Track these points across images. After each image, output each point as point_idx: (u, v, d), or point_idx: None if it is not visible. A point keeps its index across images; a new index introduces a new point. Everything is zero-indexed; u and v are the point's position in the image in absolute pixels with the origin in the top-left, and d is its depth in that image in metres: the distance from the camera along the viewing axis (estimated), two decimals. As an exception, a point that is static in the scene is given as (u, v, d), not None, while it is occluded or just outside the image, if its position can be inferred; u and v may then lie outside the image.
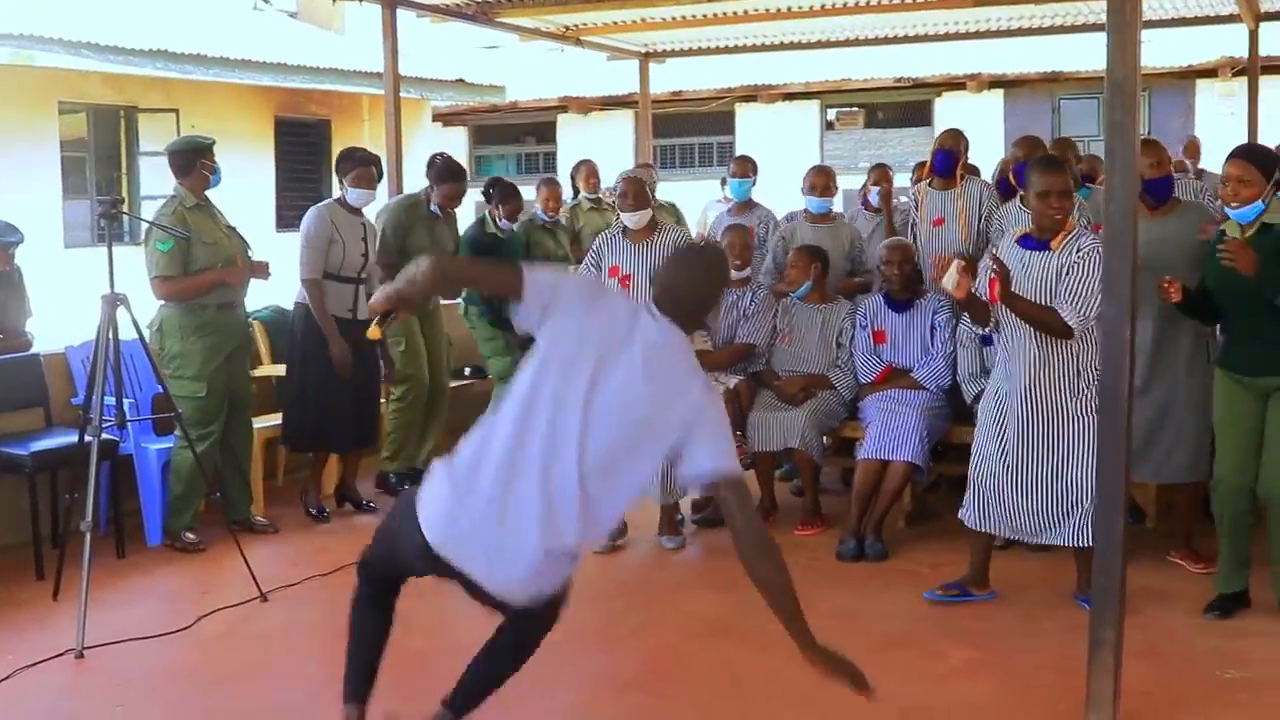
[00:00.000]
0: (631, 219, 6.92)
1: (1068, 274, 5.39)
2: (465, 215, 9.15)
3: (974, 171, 8.23)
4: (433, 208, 8.03)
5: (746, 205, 8.70)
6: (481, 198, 8.93)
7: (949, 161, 7.45)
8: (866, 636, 5.42)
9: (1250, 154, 5.47)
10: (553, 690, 4.86)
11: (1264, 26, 11.39)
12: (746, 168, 8.83)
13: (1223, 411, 5.60)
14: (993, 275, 5.24)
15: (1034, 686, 4.88)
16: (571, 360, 3.60)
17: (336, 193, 7.76)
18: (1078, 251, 5.42)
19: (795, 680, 4.18)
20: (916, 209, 7.71)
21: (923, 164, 8.19)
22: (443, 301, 8.53)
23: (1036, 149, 7.21)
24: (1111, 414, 4.23)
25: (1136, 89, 4.07)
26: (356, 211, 7.46)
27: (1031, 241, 5.59)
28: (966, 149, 7.62)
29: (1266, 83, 16.08)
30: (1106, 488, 4.28)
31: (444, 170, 8.02)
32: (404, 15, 9.73)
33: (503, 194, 8.67)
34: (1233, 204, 5.36)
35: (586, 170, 10.45)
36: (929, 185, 7.65)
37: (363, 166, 7.43)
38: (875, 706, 4.12)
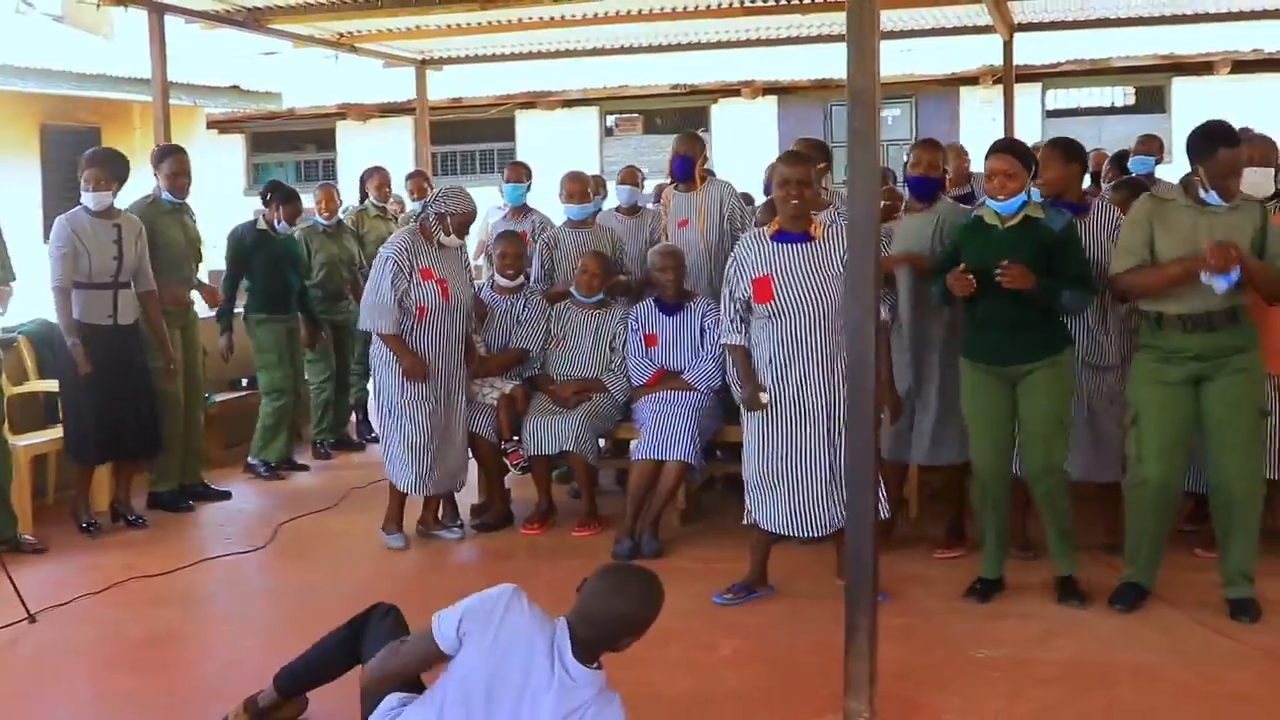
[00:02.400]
0: (450, 241, 6.91)
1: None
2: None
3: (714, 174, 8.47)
4: (187, 201, 8.05)
5: (521, 210, 8.77)
6: (259, 200, 8.92)
7: (686, 166, 7.65)
8: (638, 633, 5.56)
9: (1012, 148, 5.77)
10: None
11: (1018, 37, 11.90)
12: (520, 173, 8.91)
13: (972, 401, 5.82)
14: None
15: (799, 673, 5.05)
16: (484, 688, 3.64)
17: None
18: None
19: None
20: (663, 213, 7.89)
21: (631, 169, 8.42)
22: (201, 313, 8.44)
23: (814, 149, 7.38)
24: (859, 406, 4.41)
25: (875, 98, 4.23)
26: (109, 214, 7.28)
27: (788, 235, 5.73)
28: (703, 152, 7.82)
29: (1022, 90, 16.93)
30: (856, 478, 4.45)
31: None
32: (174, 21, 9.54)
33: (283, 197, 8.69)
34: (999, 196, 5.63)
35: (379, 178, 10.40)
36: (674, 189, 7.83)
37: (100, 168, 7.25)
38: (643, 700, 4.25)
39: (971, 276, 5.56)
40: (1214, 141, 5.31)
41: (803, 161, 5.80)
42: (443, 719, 3.67)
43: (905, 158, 6.70)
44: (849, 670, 4.48)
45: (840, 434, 5.58)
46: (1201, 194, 5.36)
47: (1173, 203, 5.45)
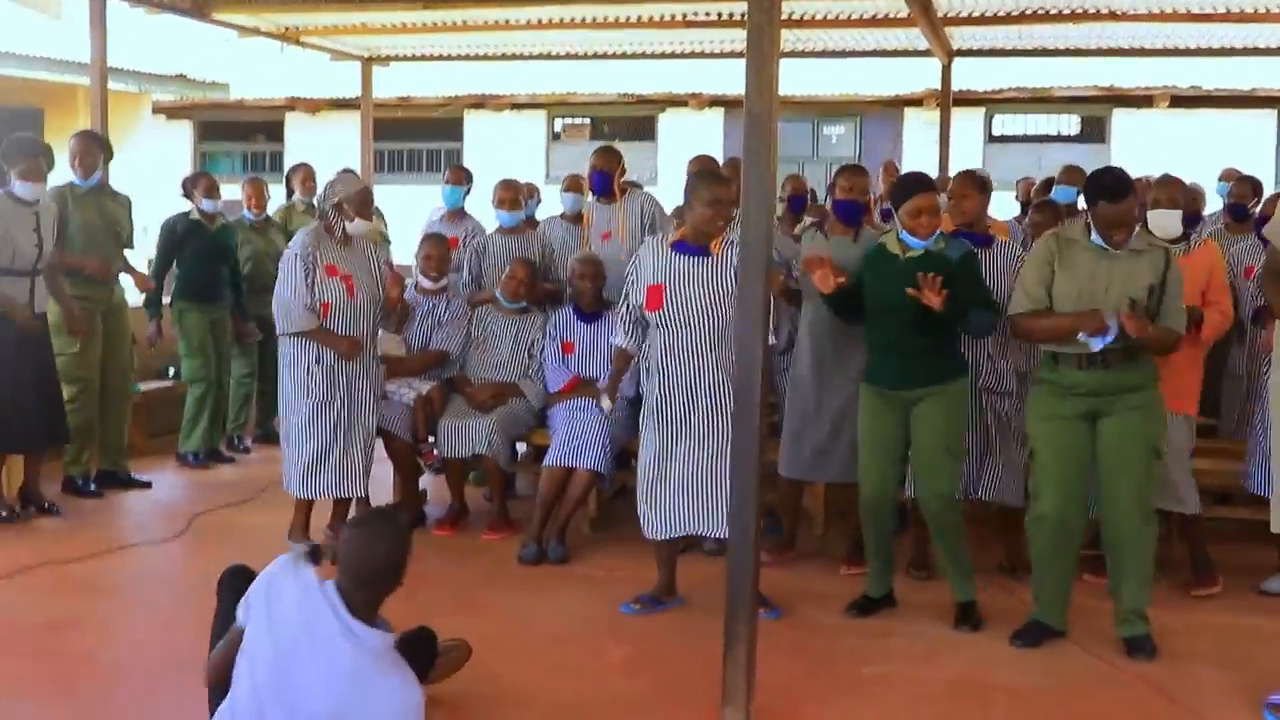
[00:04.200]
0: (359, 227, 6.88)
1: None
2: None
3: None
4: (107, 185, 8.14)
5: (458, 214, 8.83)
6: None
7: (605, 180, 7.73)
8: (534, 635, 5.67)
9: (934, 184, 5.85)
10: None
11: (959, 62, 12.07)
12: (460, 176, 8.99)
13: (867, 424, 5.90)
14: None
15: (683, 682, 5.12)
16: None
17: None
18: None
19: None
20: (586, 225, 7.97)
21: (574, 177, 8.48)
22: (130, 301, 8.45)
23: (707, 165, 7.53)
24: (744, 419, 4.50)
25: (773, 120, 4.32)
26: (30, 201, 7.27)
27: (688, 247, 5.85)
28: (620, 165, 7.87)
29: (965, 114, 17.14)
30: (740, 489, 4.54)
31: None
32: (119, 6, 9.54)
33: (193, 180, 8.95)
34: (920, 234, 5.68)
35: (304, 173, 10.42)
36: (595, 202, 7.92)
37: (30, 159, 7.24)
38: (532, 701, 4.33)
39: (839, 279, 5.68)
40: (1095, 195, 5.33)
41: (729, 183, 5.97)
42: (239, 697, 3.77)
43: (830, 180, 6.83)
44: (727, 680, 4.57)
45: (728, 442, 5.69)
46: (1093, 238, 5.40)
47: (1077, 243, 5.47)
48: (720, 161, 8.28)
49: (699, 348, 5.80)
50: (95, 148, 7.99)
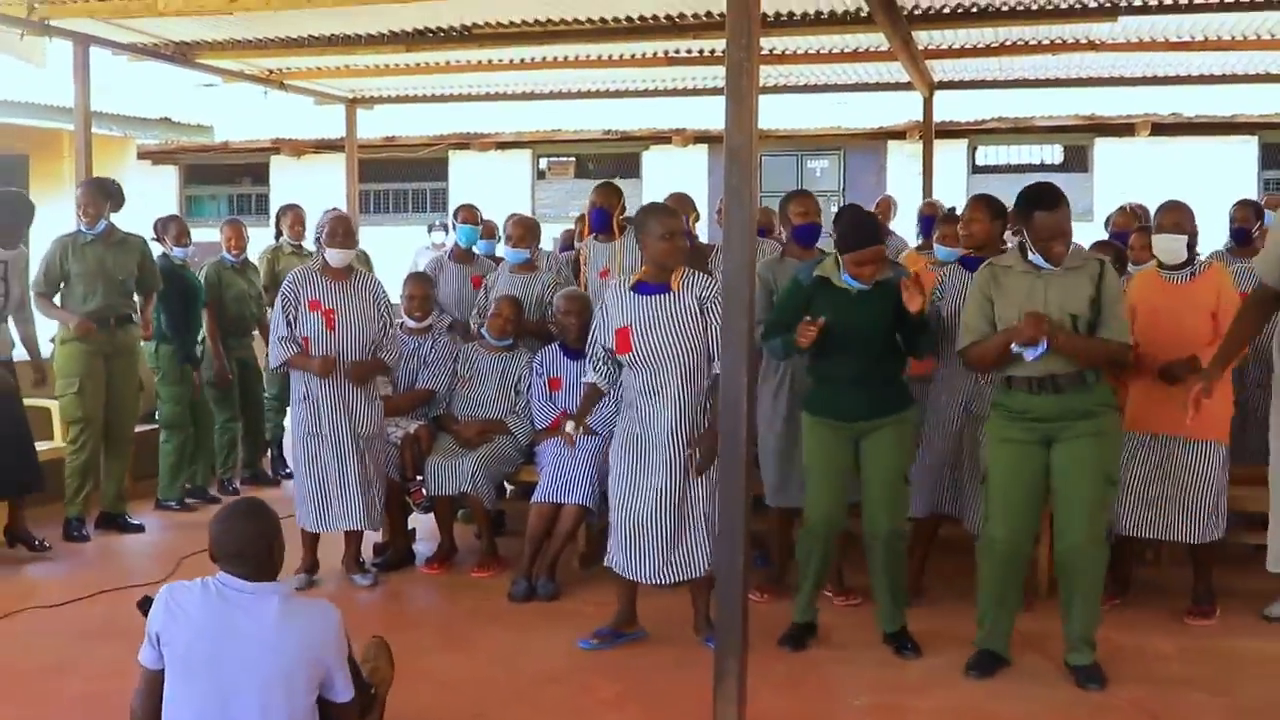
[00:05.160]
0: (337, 256, 6.96)
1: (709, 316, 5.67)
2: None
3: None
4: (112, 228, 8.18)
5: (467, 254, 8.72)
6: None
7: (604, 218, 7.71)
8: (523, 673, 5.65)
9: (879, 237, 5.81)
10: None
11: (941, 94, 12.16)
12: (475, 215, 8.86)
13: (819, 455, 5.86)
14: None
15: (674, 716, 5.11)
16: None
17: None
18: (704, 288, 5.74)
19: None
20: (583, 263, 7.95)
21: (582, 218, 8.48)
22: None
23: (684, 203, 7.52)
24: (731, 455, 4.51)
25: (752, 156, 4.35)
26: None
27: (649, 287, 5.84)
28: (620, 202, 7.85)
29: (949, 145, 17.23)
30: (727, 524, 4.55)
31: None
32: (103, 52, 9.59)
33: (164, 225, 9.03)
34: (865, 283, 5.69)
35: (292, 216, 10.40)
36: (594, 240, 7.92)
37: (10, 228, 7.39)
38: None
39: (814, 329, 5.57)
40: (1030, 205, 5.30)
41: (677, 214, 6.00)
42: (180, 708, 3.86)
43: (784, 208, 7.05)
44: (718, 713, 4.57)
45: (695, 484, 5.76)
46: (1030, 258, 5.38)
47: (1010, 269, 5.44)
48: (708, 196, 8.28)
49: (666, 385, 5.78)
50: (100, 197, 8.08)
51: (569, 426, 6.12)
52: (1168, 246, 6.22)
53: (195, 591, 3.92)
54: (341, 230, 7.00)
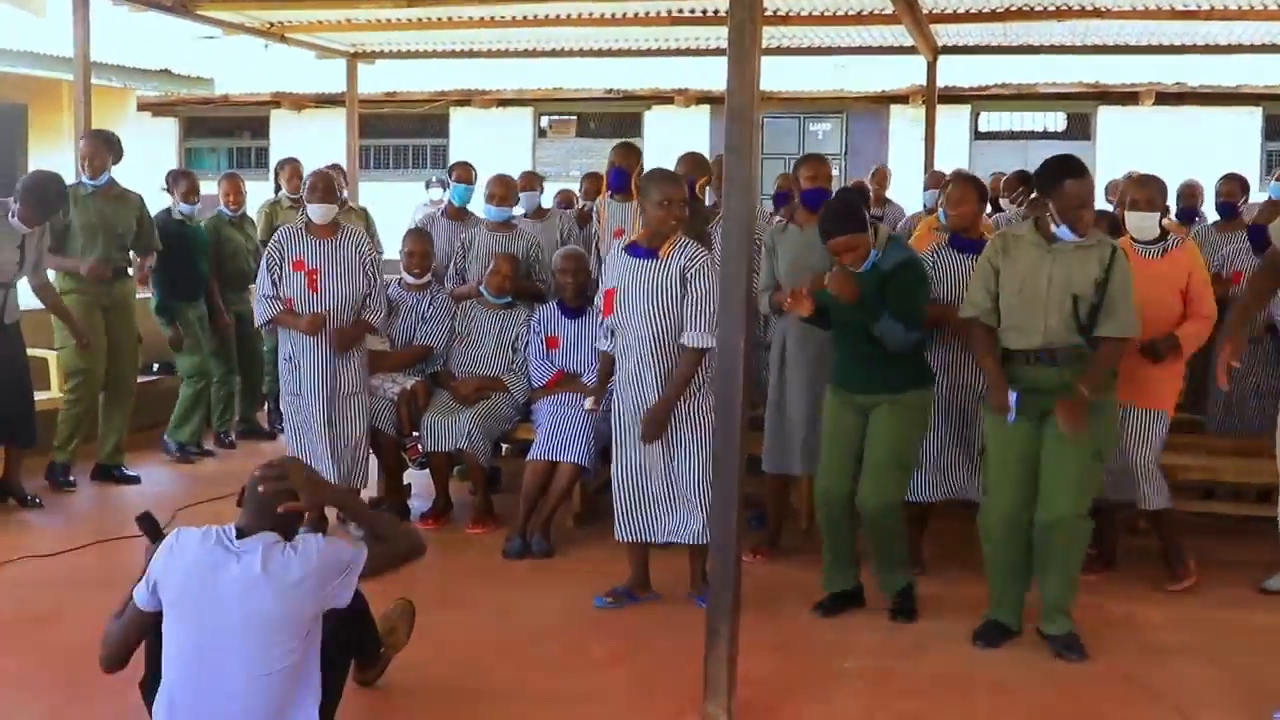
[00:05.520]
0: (317, 212, 6.95)
1: (688, 286, 5.69)
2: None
3: None
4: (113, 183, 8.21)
5: (461, 211, 8.75)
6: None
7: (622, 177, 7.67)
8: (517, 629, 5.68)
9: (855, 222, 5.71)
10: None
11: (944, 59, 12.10)
12: (470, 174, 8.92)
13: (830, 424, 5.91)
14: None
15: (664, 676, 5.14)
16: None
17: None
18: (690, 259, 5.73)
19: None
20: (598, 221, 7.94)
21: (594, 175, 8.44)
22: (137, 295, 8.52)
23: (698, 164, 7.47)
24: (727, 420, 4.49)
25: (753, 115, 4.33)
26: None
27: (639, 250, 5.85)
28: (639, 163, 7.80)
29: (952, 111, 17.17)
30: (722, 487, 4.54)
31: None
32: (103, 2, 9.55)
33: (174, 179, 9.02)
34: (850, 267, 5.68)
35: (291, 170, 10.36)
36: (610, 198, 7.89)
37: (39, 211, 7.29)
38: (515, 695, 4.31)
39: (808, 302, 5.64)
40: (1060, 174, 5.28)
41: (679, 181, 5.97)
42: (173, 658, 3.95)
43: (790, 170, 6.97)
44: (708, 674, 4.58)
45: (679, 445, 5.80)
46: (1054, 229, 5.34)
47: (1022, 239, 5.44)
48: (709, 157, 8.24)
49: (643, 349, 5.78)
50: (104, 149, 8.10)
51: (588, 404, 6.15)
52: (1140, 224, 6.21)
53: (197, 537, 4.00)
54: (322, 186, 6.98)
